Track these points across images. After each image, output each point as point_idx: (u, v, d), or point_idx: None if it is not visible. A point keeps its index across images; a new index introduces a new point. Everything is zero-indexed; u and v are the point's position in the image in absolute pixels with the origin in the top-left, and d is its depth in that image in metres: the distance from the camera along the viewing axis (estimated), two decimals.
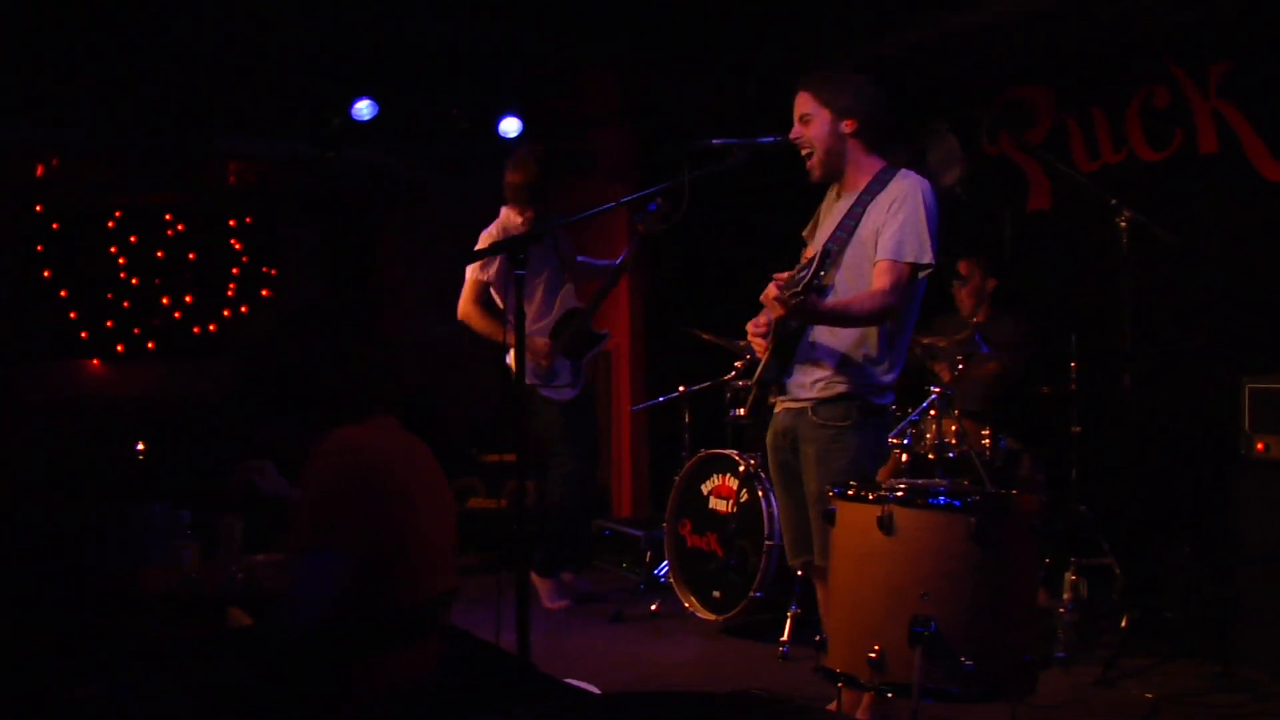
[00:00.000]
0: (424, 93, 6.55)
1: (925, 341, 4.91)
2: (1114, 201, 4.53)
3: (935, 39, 5.77)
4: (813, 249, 3.38)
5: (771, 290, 3.06)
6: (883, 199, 3.33)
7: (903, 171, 3.38)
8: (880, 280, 3.24)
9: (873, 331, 3.34)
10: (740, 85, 6.33)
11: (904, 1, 5.72)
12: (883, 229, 3.28)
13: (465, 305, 5.35)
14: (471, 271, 5.36)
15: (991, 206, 6.15)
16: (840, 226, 3.37)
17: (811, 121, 3.39)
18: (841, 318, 3.24)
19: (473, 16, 5.94)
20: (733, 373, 5.01)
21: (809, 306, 3.03)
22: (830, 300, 3.25)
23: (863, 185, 3.39)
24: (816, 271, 2.92)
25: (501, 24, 6.04)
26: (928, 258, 3.24)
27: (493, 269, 5.29)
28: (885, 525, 2.95)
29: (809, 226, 3.59)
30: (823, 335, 3.36)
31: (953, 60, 6.00)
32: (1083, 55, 5.78)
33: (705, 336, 5.36)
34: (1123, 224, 4.52)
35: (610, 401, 7.40)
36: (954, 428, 4.92)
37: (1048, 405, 5.32)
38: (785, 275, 3.11)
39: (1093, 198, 4.66)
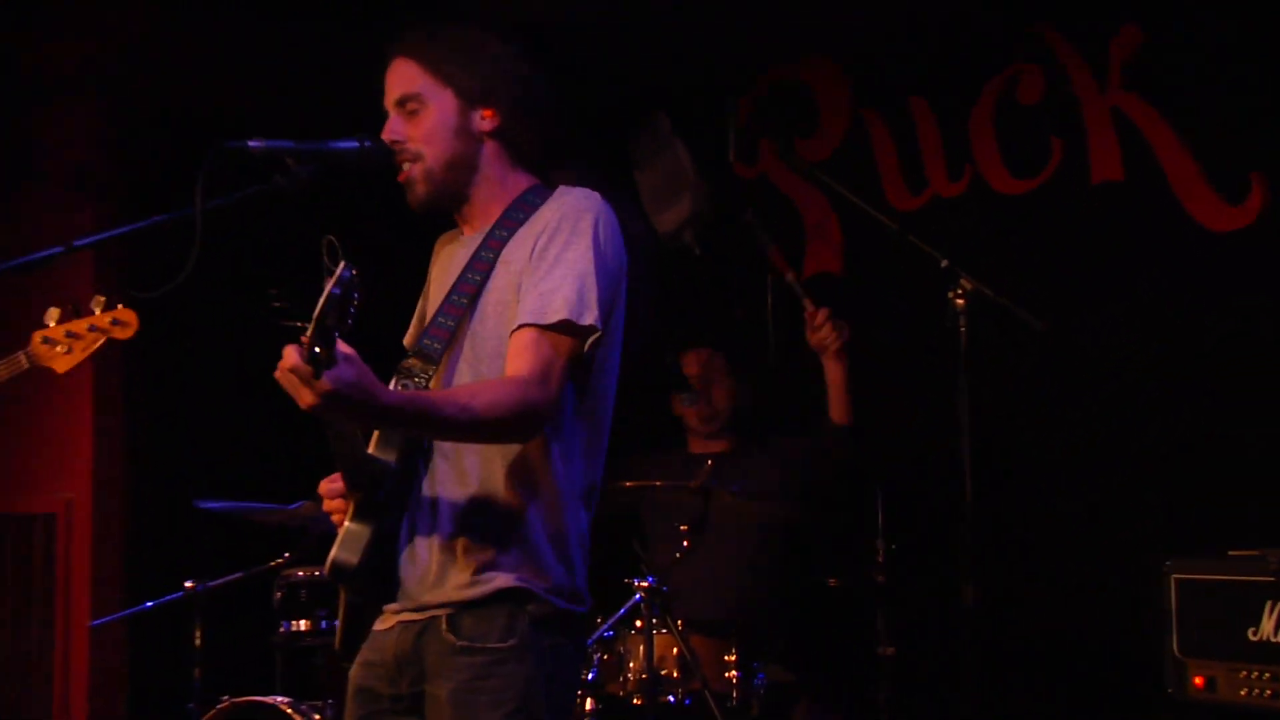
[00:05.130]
0: None
1: (629, 485, 5.04)
2: (946, 263, 4.52)
3: None
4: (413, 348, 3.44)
5: (290, 356, 2.90)
6: (528, 233, 3.39)
7: (562, 188, 3.47)
8: (518, 361, 3.25)
9: (542, 468, 3.33)
10: (309, 45, 6.45)
11: None
12: (524, 279, 3.34)
13: None
14: None
15: (744, 267, 6.23)
16: (457, 287, 3.42)
17: (422, 110, 3.45)
18: (440, 421, 3.17)
19: None
20: (285, 555, 5.10)
21: (342, 385, 2.88)
22: (421, 393, 3.27)
23: (494, 217, 3.46)
24: (340, 302, 2.82)
25: None
26: (590, 317, 3.27)
27: None
28: None
29: (416, 312, 3.66)
30: (451, 476, 3.33)
31: (678, 21, 6.18)
32: (898, 12, 5.94)
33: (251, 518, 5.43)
34: (960, 301, 4.50)
35: (52, 607, 7.00)
36: (675, 650, 4.93)
37: (840, 609, 5.50)
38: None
39: (912, 256, 4.68)
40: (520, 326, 3.27)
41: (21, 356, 4.77)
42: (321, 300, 2.80)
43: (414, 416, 3.14)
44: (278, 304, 4.96)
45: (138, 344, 6.44)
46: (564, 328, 3.24)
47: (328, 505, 3.34)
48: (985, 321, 4.60)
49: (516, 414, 3.17)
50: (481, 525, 3.31)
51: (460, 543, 3.31)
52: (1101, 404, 5.56)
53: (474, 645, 3.26)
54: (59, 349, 4.79)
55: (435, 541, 3.34)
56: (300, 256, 6.23)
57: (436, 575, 3.32)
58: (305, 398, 2.90)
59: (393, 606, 3.37)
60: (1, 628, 7.19)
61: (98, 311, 4.83)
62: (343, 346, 2.90)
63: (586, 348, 3.29)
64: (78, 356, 4.89)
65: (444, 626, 3.29)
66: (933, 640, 5.36)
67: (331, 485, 3.31)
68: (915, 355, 5.62)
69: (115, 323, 4.83)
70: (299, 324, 3.06)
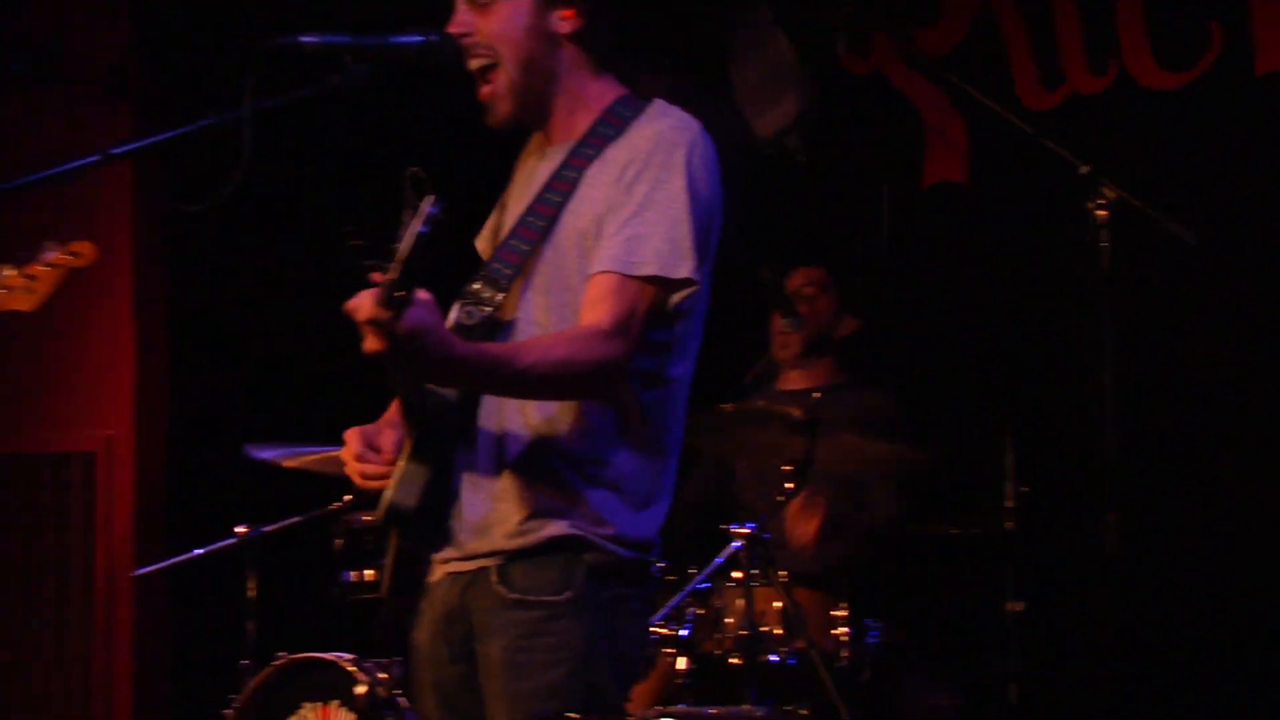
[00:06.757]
0: None
1: (728, 409, 5.13)
2: (1087, 169, 4.51)
3: None
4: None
5: (365, 304, 2.98)
6: (615, 156, 3.40)
7: (658, 105, 3.48)
8: (596, 310, 3.28)
9: (604, 413, 3.38)
10: None
11: None
12: (607, 215, 3.34)
13: None
14: None
15: (857, 177, 6.29)
16: (534, 208, 3.46)
17: (493, 6, 3.44)
18: (510, 377, 3.25)
19: None
20: (346, 498, 5.13)
21: (418, 333, 2.99)
22: (491, 345, 3.32)
23: (580, 132, 3.48)
24: (427, 243, 2.88)
25: None
26: (686, 269, 3.28)
27: None
28: None
29: (490, 221, 3.64)
30: (511, 417, 3.39)
31: None
32: None
33: (288, 465, 5.56)
34: (1101, 213, 4.50)
35: (92, 553, 7.14)
36: (779, 605, 4.99)
37: (963, 561, 5.57)
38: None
39: (1048, 162, 4.72)
40: (602, 271, 3.29)
41: None
42: (409, 241, 2.84)
43: (483, 370, 3.20)
44: (355, 242, 5.08)
45: (184, 271, 7.20)
46: (642, 273, 3.26)
47: (360, 468, 3.31)
48: (1131, 235, 4.56)
49: (591, 372, 3.25)
50: (539, 465, 3.35)
51: (513, 484, 3.34)
52: (1269, 330, 5.43)
53: (526, 598, 3.30)
54: (18, 290, 4.87)
55: (487, 482, 3.38)
56: (361, 171, 6.21)
57: (486, 521, 3.37)
58: (375, 343, 2.93)
59: (441, 555, 3.41)
60: (39, 576, 7.27)
61: (54, 254, 4.88)
62: (420, 291, 2.95)
63: (677, 301, 3.32)
64: (42, 292, 4.97)
65: (494, 578, 3.33)
66: (1069, 595, 5.32)
67: (362, 448, 3.30)
68: (1050, 275, 5.56)
69: (72, 254, 4.88)
70: (376, 262, 3.01)
